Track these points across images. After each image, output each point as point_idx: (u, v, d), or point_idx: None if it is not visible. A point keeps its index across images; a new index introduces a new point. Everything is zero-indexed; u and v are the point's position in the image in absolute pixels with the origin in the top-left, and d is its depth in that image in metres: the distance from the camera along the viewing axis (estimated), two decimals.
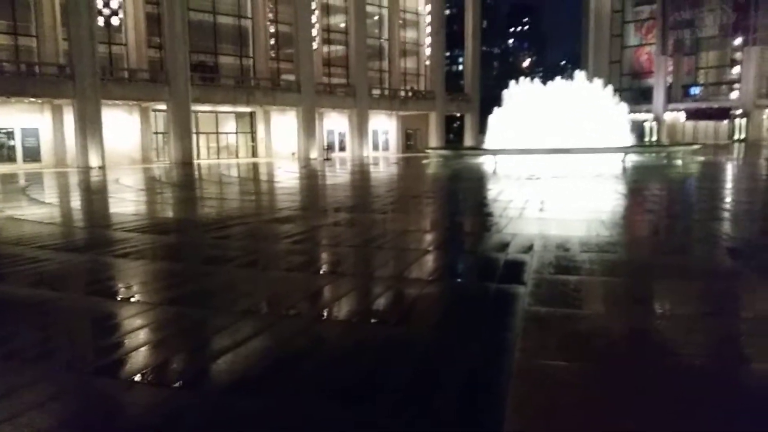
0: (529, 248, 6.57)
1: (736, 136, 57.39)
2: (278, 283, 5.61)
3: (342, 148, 47.74)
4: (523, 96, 24.46)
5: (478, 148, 26.82)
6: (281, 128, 43.91)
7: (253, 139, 44.09)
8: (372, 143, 49.43)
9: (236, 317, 4.31)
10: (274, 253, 7.18)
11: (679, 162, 21.68)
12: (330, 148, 44.82)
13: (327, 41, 47.83)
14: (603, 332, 3.89)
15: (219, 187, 18.83)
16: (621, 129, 23.75)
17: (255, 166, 31.56)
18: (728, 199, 12.84)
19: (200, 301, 4.88)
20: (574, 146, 20.19)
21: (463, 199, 13.76)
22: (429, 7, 52.34)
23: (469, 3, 55.28)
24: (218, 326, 4.16)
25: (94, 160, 31.15)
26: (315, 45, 44.54)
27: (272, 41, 44.61)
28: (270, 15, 44.33)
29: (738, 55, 59.44)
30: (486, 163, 22.50)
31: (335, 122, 47.53)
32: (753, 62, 57.26)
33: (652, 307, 4.75)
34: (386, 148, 52.08)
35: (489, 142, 24.70)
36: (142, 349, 3.79)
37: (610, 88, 24.28)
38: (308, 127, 42.39)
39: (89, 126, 31.33)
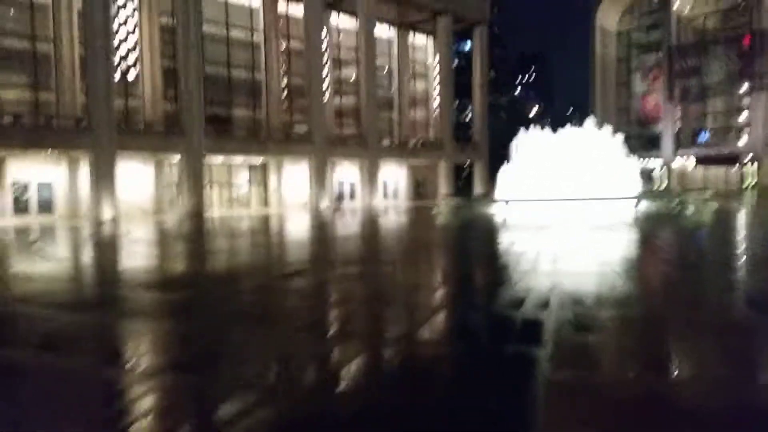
0: (545, 305, 6.37)
1: (746, 182, 57.12)
2: (286, 345, 5.43)
3: (352, 197, 48.01)
4: (533, 144, 24.58)
5: (489, 197, 26.78)
6: (293, 179, 44.35)
7: (266, 190, 44.49)
8: (382, 192, 49.72)
9: (239, 386, 4.14)
10: (284, 312, 7.02)
11: (691, 209, 21.44)
12: (341, 197, 45.09)
13: (338, 93, 48.81)
14: (628, 401, 3.68)
15: (230, 241, 18.81)
16: (632, 176, 23.67)
17: (267, 218, 31.71)
18: (741, 249, 12.58)
19: (201, 368, 4.70)
20: (585, 195, 20.09)
21: (476, 250, 13.50)
22: (437, 58, 53.50)
23: (476, 54, 56.47)
24: (218, 397, 3.98)
25: (107, 212, 31.47)
26: (326, 97, 45.46)
27: (285, 93, 45.63)
28: (283, 68, 45.50)
29: (745, 101, 59.78)
30: (498, 212, 22.42)
31: (345, 172, 47.97)
32: (761, 108, 57.54)
33: (675, 368, 4.53)
34: (396, 197, 52.33)
35: (500, 191, 24.67)
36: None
37: (620, 135, 24.33)
38: (320, 177, 42.80)
39: (103, 178, 31.83)
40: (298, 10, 44.31)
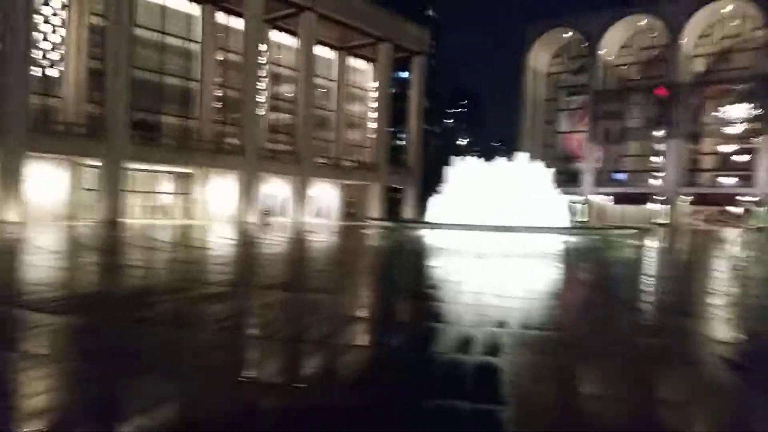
0: (494, 348, 6.11)
1: (659, 220, 60.69)
2: (189, 392, 4.60)
3: (282, 213, 47.02)
4: (467, 172, 24.92)
5: (421, 221, 26.85)
6: (221, 191, 42.95)
7: (191, 201, 42.80)
8: (313, 210, 49.07)
9: None
10: (193, 346, 6.12)
11: (614, 243, 22.34)
12: (269, 212, 44.02)
13: (274, 108, 48.08)
14: None
15: (145, 253, 17.65)
16: (560, 209, 24.42)
17: (189, 229, 30.34)
18: (657, 279, 13.08)
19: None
20: (515, 224, 20.47)
21: (409, 277, 12.89)
22: (376, 84, 53.91)
23: (414, 82, 57.40)
24: None
25: (11, 216, 29.10)
26: (262, 111, 44.60)
27: (219, 104, 44.41)
28: (218, 79, 44.34)
29: (660, 146, 63.85)
30: (428, 236, 22.44)
31: (276, 187, 47.03)
32: (673, 153, 61.63)
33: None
34: (326, 216, 51.76)
35: (432, 216, 24.78)
36: None
37: (551, 170, 25.12)
38: (248, 191, 41.67)
39: (10, 179, 29.50)
40: (238, 23, 43.47)
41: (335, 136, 53.20)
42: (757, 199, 56.77)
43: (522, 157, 25.35)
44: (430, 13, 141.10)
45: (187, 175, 42.11)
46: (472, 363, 5.32)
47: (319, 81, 50.31)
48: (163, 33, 41.00)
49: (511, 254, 17.39)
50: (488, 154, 27.46)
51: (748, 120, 59.66)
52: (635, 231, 25.83)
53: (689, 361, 5.73)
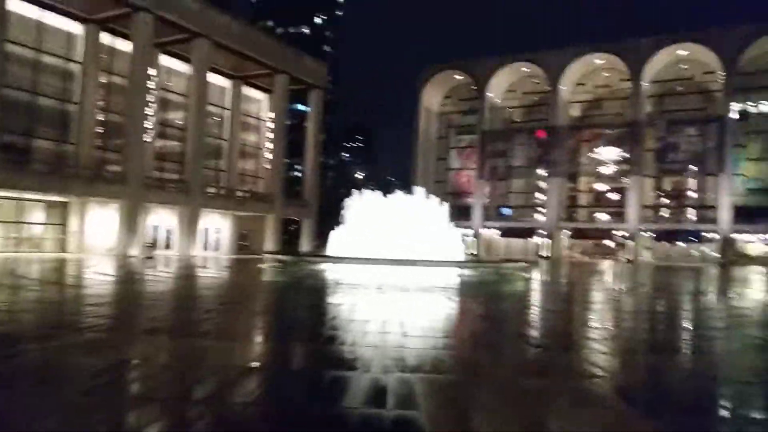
0: (408, 399, 5.70)
1: (542, 253, 64.27)
2: None
3: (168, 246, 44.29)
4: (365, 206, 24.77)
5: (318, 255, 26.22)
6: (99, 221, 39.72)
7: (64, 232, 39.13)
8: (202, 243, 46.72)
9: None
10: (57, 410, 5.19)
11: (508, 277, 23.03)
12: (154, 245, 41.28)
13: (162, 135, 45.70)
14: None
15: (4, 291, 15.60)
16: (454, 243, 24.86)
17: (62, 264, 27.53)
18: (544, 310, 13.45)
19: None
20: (414, 257, 20.47)
21: (309, 317, 11.92)
22: (272, 115, 53.03)
23: (311, 116, 57.27)
24: None
25: None
26: (149, 138, 42.16)
27: (100, 129, 41.40)
28: (101, 102, 41.45)
29: (542, 184, 68.12)
30: (327, 270, 21.86)
31: (163, 218, 44.34)
32: (554, 190, 65.94)
33: None
34: (217, 249, 49.48)
35: (331, 249, 24.27)
36: None
37: (446, 205, 25.61)
38: (131, 222, 38.84)
39: None
40: (126, 45, 41.12)
41: (228, 165, 51.46)
42: (627, 234, 61.91)
43: (419, 191, 25.68)
44: (327, 48, 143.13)
45: (62, 204, 38.58)
46: (386, 418, 4.86)
47: (212, 109, 48.66)
48: (39, 51, 37.79)
49: (412, 288, 17.26)
50: (384, 188, 27.56)
51: (618, 162, 65.39)
52: (524, 264, 26.85)
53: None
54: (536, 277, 27.16)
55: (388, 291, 16.34)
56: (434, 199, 25.45)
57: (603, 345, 9.08)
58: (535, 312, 14.21)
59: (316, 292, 16.79)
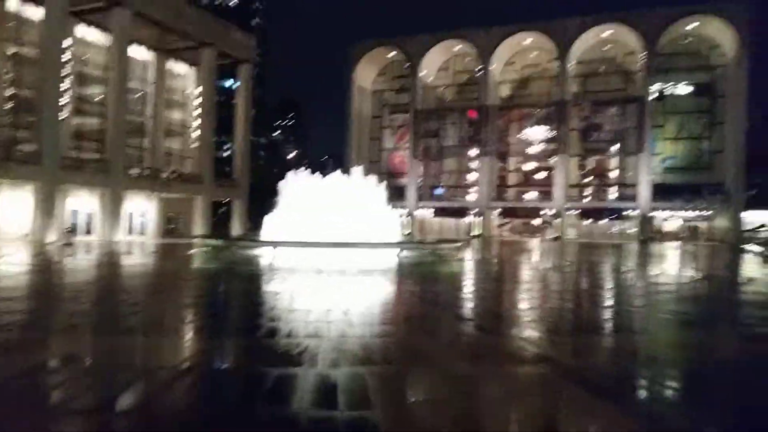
0: (358, 397, 5.38)
1: (474, 232, 65.54)
2: None
3: (89, 231, 41.81)
4: (300, 187, 24.10)
5: (253, 239, 25.35)
6: (11, 206, 36.87)
7: None
8: (126, 227, 44.42)
9: None
10: None
11: (445, 257, 23.14)
12: (73, 231, 38.82)
13: (80, 112, 42.82)
14: None
15: None
16: (392, 223, 24.70)
17: None
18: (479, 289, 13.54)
19: None
20: (353, 240, 20.12)
21: (246, 308, 11.21)
22: (200, 90, 50.73)
23: (240, 91, 55.28)
24: None
25: None
26: (64, 114, 39.35)
27: (9, 105, 38.20)
28: (8, 76, 38.19)
29: (474, 164, 69.16)
30: (262, 255, 21.15)
31: (83, 201, 41.74)
32: (485, 170, 67.10)
33: None
34: (143, 233, 47.23)
35: (266, 232, 23.50)
36: None
37: (383, 185, 25.34)
38: (47, 205, 36.27)
39: None
40: (37, 13, 37.94)
41: (152, 144, 48.99)
42: (554, 212, 64.05)
43: (356, 171, 25.25)
44: (257, 21, 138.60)
45: None
46: (339, 420, 4.53)
47: (134, 84, 45.99)
48: None
49: (351, 271, 16.95)
50: (317, 168, 26.99)
51: (546, 141, 67.25)
52: (459, 244, 27.11)
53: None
54: (471, 257, 27.52)
55: (327, 275, 15.96)
56: (372, 180, 25.11)
57: (541, 326, 9.12)
58: (472, 294, 14.26)
59: (252, 278, 16.14)
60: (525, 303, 12.37)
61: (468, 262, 24.11)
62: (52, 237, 35.60)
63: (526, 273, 20.59)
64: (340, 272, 16.72)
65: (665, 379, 6.26)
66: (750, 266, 25.16)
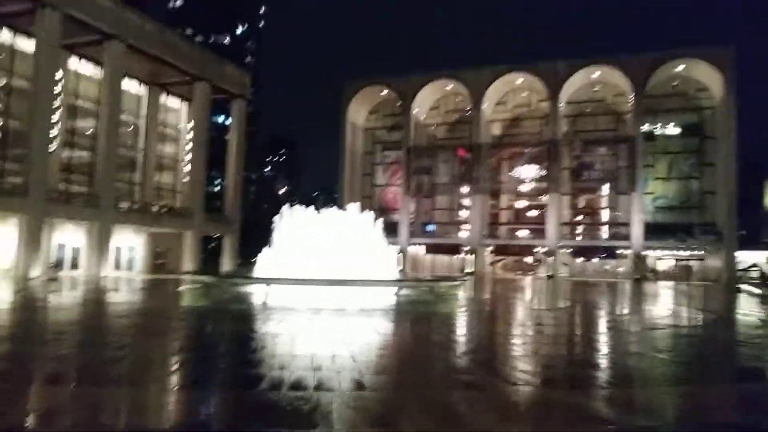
0: None
1: (466, 269, 64.84)
2: None
3: (74, 266, 40.67)
4: (297, 222, 23.47)
5: (246, 276, 24.54)
6: None
7: None
8: (114, 262, 43.29)
9: None
10: None
11: (444, 296, 22.45)
12: (58, 265, 37.72)
13: (70, 144, 42.20)
14: None
15: None
16: (389, 260, 24.07)
17: None
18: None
19: None
20: (350, 278, 19.42)
21: (244, 354, 10.03)
22: (192, 124, 50.39)
23: (234, 127, 55.05)
24: None
25: None
26: (53, 146, 38.70)
27: None
28: None
29: (466, 201, 69.00)
30: (256, 293, 20.32)
31: (69, 235, 40.72)
32: (477, 208, 66.87)
33: None
34: (130, 268, 46.09)
35: (260, 269, 22.74)
36: None
37: (380, 222, 24.80)
38: (32, 239, 35.24)
39: None
40: (28, 45, 37.69)
41: (142, 178, 48.29)
42: (546, 249, 63.67)
43: (353, 207, 24.71)
44: (250, 59, 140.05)
45: None
46: None
47: (126, 117, 45.55)
48: None
49: (351, 311, 16.20)
50: (307, 203, 26.44)
51: (537, 180, 67.37)
52: (457, 282, 26.46)
53: None
54: (471, 296, 26.80)
55: (326, 316, 15.19)
56: (368, 215, 24.56)
57: (580, 381, 8.45)
58: (488, 340, 13.56)
59: (247, 319, 15.30)
60: (551, 350, 11.66)
61: (470, 302, 23.35)
62: (36, 272, 34.47)
63: (536, 316, 19.83)
64: (339, 312, 15.96)
65: None
66: (754, 307, 24.69)
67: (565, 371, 8.91)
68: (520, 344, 12.26)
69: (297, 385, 7.08)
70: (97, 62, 42.36)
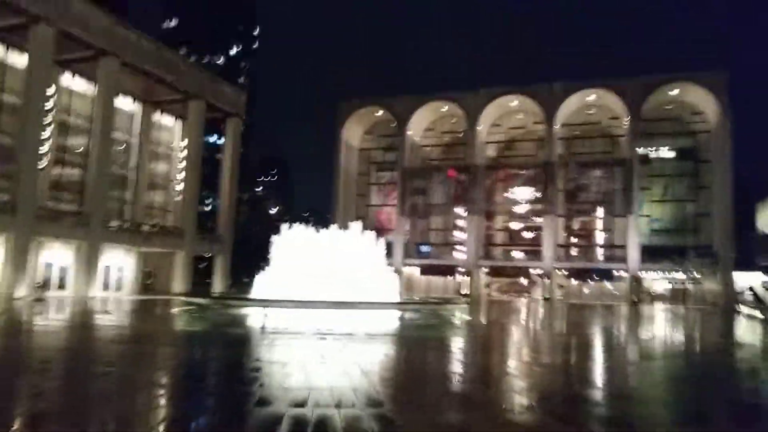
0: None
1: (462, 291, 64.00)
2: None
3: (62, 286, 39.44)
4: (296, 242, 22.69)
5: (243, 297, 23.62)
6: None
7: None
8: (102, 282, 42.07)
9: None
10: None
11: (448, 319, 21.67)
12: (45, 285, 36.56)
13: (60, 162, 41.25)
14: None
15: None
16: (391, 281, 23.30)
17: None
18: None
19: None
20: (353, 300, 18.61)
21: (251, 392, 8.55)
22: (186, 142, 49.60)
23: (228, 145, 54.31)
24: None
25: None
26: (43, 163, 37.76)
27: None
28: None
29: (461, 222, 68.46)
30: (252, 315, 19.42)
31: (57, 254, 39.55)
32: (473, 229, 66.29)
33: None
34: (119, 288, 44.83)
35: (258, 290, 21.86)
36: None
37: (382, 242, 24.07)
38: (19, 258, 34.10)
39: None
40: (19, 60, 36.98)
41: (134, 197, 47.30)
42: (542, 271, 63.07)
43: (354, 227, 24.00)
44: (244, 79, 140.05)
45: None
46: None
47: (118, 135, 44.72)
48: None
49: (358, 336, 15.37)
50: (299, 223, 25.70)
51: (532, 201, 67.06)
52: (459, 305, 25.68)
53: None
54: (476, 318, 25.99)
55: (333, 341, 14.32)
56: (370, 235, 23.84)
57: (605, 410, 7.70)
58: (506, 367, 12.78)
59: (248, 345, 14.39)
60: (558, 386, 10.91)
61: (477, 326, 22.47)
62: (21, 292, 33.28)
63: (545, 340, 19.11)
64: (345, 337, 15.10)
65: None
66: (758, 331, 24.10)
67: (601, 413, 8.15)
68: (550, 376, 11.49)
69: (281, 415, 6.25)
70: (90, 78, 41.66)
